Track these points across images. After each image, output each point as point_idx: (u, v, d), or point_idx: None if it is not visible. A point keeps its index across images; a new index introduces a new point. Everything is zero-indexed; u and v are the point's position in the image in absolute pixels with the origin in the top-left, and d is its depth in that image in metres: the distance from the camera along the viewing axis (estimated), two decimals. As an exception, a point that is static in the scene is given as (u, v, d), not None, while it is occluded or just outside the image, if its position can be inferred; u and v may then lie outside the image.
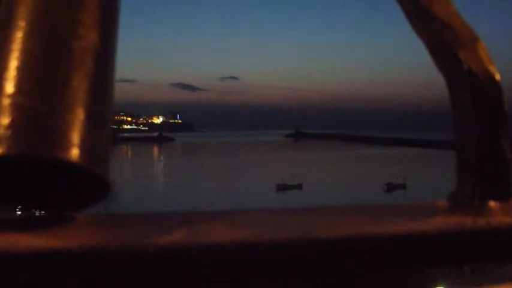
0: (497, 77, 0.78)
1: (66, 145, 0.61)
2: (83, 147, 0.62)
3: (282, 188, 54.93)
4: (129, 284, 0.58)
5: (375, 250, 0.66)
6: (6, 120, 0.60)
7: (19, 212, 0.70)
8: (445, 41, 0.79)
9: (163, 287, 0.59)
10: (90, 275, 0.57)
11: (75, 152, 0.61)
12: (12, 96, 0.62)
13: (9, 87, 0.62)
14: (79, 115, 0.63)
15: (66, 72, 0.64)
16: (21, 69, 0.63)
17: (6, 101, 0.61)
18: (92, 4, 0.69)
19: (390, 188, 54.37)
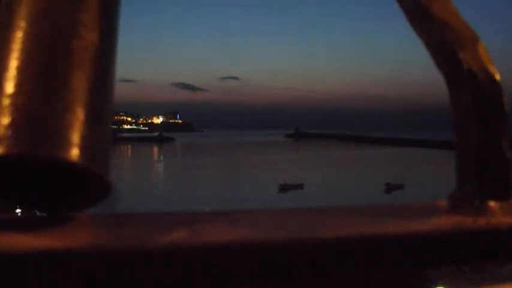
0: (497, 77, 0.78)
1: (66, 145, 0.61)
2: (83, 147, 0.62)
3: (284, 187, 55.19)
4: (129, 284, 0.58)
5: (374, 250, 0.66)
6: (6, 120, 0.60)
7: (19, 212, 0.70)
8: (445, 41, 0.79)
9: (163, 287, 0.59)
10: (90, 275, 0.57)
11: (75, 152, 0.61)
12: (12, 96, 0.62)
13: (9, 87, 0.62)
14: (79, 115, 0.63)
15: (66, 72, 0.64)
16: (21, 69, 0.63)
17: (6, 101, 0.61)
18: (92, 4, 0.69)
19: (390, 188, 54.52)
